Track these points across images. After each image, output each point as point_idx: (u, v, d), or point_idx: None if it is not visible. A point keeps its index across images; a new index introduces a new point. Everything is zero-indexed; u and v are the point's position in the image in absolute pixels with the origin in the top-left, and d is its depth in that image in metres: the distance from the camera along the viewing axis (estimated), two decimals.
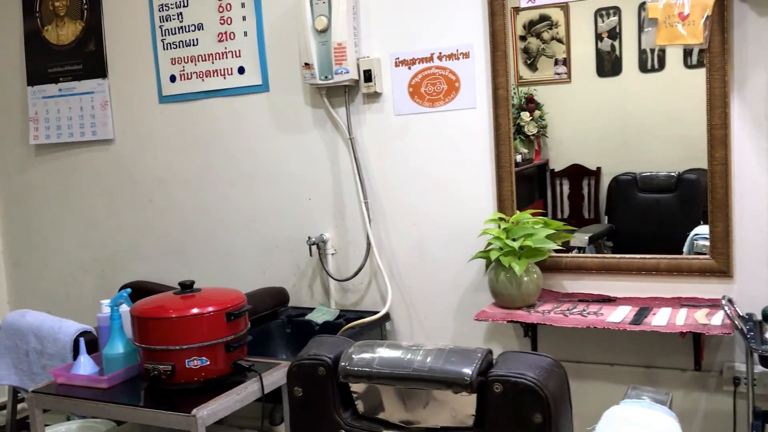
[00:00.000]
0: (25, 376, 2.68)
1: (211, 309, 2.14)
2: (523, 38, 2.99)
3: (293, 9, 2.77)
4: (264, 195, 3.04)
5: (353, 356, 1.40)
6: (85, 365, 2.28)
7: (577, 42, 2.92)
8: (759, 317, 2.15)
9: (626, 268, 2.47)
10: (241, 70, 3.01)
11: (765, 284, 2.27)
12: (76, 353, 2.44)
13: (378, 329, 2.77)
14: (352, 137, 2.80)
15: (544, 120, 2.98)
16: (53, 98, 3.46)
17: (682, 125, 2.66)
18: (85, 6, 3.32)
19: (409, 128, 2.73)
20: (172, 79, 3.16)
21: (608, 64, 2.87)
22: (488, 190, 2.63)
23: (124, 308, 2.30)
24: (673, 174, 2.82)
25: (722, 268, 2.32)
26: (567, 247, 2.62)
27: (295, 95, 2.91)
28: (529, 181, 2.97)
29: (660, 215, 2.87)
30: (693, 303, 2.32)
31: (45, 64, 3.45)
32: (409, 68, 2.71)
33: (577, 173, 2.99)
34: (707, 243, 2.38)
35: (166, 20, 3.13)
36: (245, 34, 2.98)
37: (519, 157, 2.78)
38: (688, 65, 2.67)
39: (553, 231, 2.43)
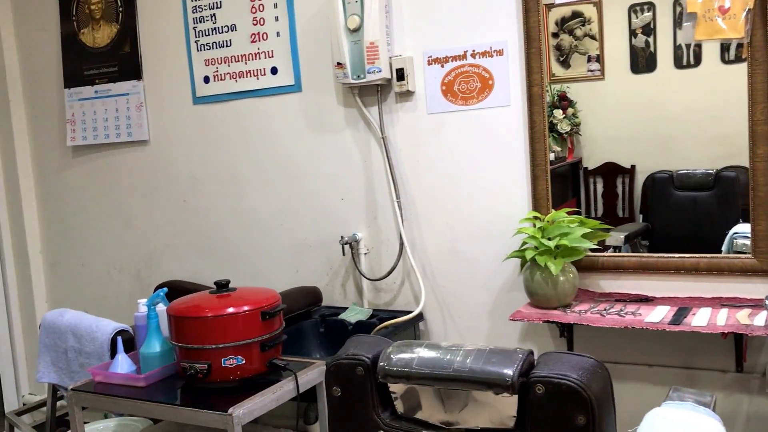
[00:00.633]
0: (64, 374, 2.72)
1: (246, 308, 2.14)
2: (555, 35, 2.96)
3: (325, 8, 2.77)
4: (297, 195, 3.05)
5: (392, 356, 1.40)
6: (123, 364, 2.30)
7: (611, 38, 2.88)
8: None
9: (664, 267, 2.43)
10: (274, 71, 3.02)
11: None
12: (113, 352, 2.47)
13: (411, 329, 2.76)
14: (384, 136, 2.80)
15: (577, 117, 2.94)
16: (89, 100, 3.50)
17: (719, 122, 2.61)
18: (120, 8, 3.36)
19: (443, 127, 2.72)
20: (206, 80, 3.18)
21: (642, 61, 2.83)
22: (523, 189, 2.60)
23: (161, 307, 2.32)
24: (710, 171, 2.77)
25: (765, 268, 2.27)
26: (603, 247, 2.59)
27: (327, 95, 2.91)
28: (563, 179, 2.94)
29: (697, 214, 2.82)
30: (734, 303, 2.27)
31: (81, 66, 3.49)
32: (442, 66, 2.70)
33: (611, 171, 2.95)
34: (748, 242, 2.33)
35: (200, 21, 3.16)
36: (278, 34, 2.99)
37: (552, 156, 2.75)
38: (725, 60, 2.62)
39: (590, 230, 2.39)
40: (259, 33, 3.03)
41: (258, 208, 3.15)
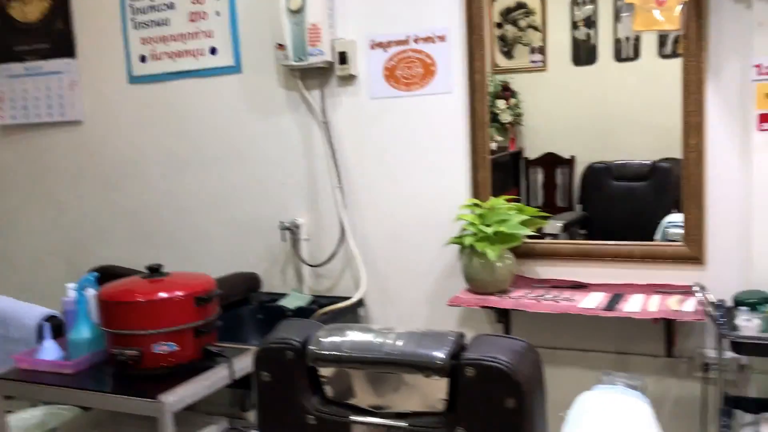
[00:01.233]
0: None
1: (179, 293, 2.10)
2: (499, 25, 2.97)
3: None
4: (236, 178, 2.99)
5: (322, 340, 1.37)
6: (50, 350, 2.22)
7: (553, 30, 2.92)
8: (730, 304, 2.16)
9: (600, 254, 2.47)
10: (213, 51, 2.95)
11: (737, 271, 2.28)
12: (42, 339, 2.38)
13: (352, 315, 2.75)
14: (326, 121, 2.76)
15: (519, 108, 2.97)
16: (19, 77, 3.37)
17: (656, 114, 2.66)
18: None
19: (385, 112, 2.70)
20: (143, 59, 3.09)
21: (584, 53, 2.87)
22: (463, 177, 2.61)
23: (91, 292, 2.25)
24: (647, 162, 2.83)
25: (695, 255, 2.33)
26: (541, 234, 2.62)
27: (268, 77, 2.86)
28: (504, 169, 2.96)
29: (633, 203, 2.88)
30: (666, 290, 2.32)
31: (10, 41, 3.35)
32: (385, 51, 2.68)
33: (551, 162, 2.99)
34: (680, 231, 2.39)
35: None
36: (217, 13, 2.92)
37: (494, 145, 2.77)
38: (662, 55, 2.68)
39: (527, 217, 2.42)
40: (198, 12, 2.95)
41: (196, 192, 3.08)
